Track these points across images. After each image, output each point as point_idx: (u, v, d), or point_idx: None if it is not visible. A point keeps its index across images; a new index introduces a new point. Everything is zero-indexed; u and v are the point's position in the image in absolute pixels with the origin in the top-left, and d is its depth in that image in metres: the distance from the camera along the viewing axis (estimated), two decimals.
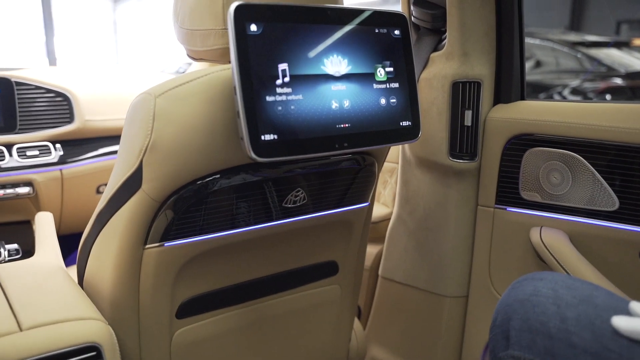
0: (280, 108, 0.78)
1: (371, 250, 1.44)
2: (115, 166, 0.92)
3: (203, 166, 0.84)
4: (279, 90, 0.78)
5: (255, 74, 0.76)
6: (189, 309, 0.98)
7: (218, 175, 0.86)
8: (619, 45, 4.81)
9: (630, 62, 4.44)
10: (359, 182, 1.02)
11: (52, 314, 0.86)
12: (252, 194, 0.90)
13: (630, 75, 4.27)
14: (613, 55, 4.58)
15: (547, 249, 1.04)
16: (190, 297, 0.97)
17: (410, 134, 0.92)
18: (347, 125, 0.84)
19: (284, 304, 1.10)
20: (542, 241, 1.06)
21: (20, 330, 0.82)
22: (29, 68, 1.69)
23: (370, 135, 0.87)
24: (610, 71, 4.44)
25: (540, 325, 0.71)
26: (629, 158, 0.98)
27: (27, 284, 0.97)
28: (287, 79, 0.79)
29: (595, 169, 1.01)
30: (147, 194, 0.84)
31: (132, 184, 0.86)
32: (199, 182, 0.85)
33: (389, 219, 1.38)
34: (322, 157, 0.94)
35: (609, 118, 0.99)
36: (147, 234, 0.88)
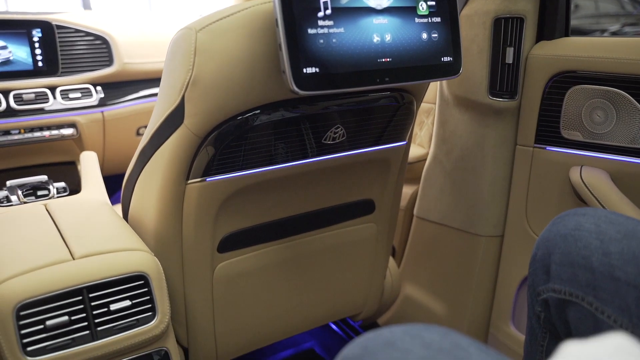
0: (321, 41, 0.76)
1: (407, 190, 1.43)
2: (157, 103, 0.92)
3: (244, 101, 0.83)
4: (320, 23, 0.76)
5: (297, 6, 0.74)
6: (230, 243, 0.99)
7: (258, 111, 0.85)
8: None
9: None
10: (397, 120, 1.01)
11: (102, 245, 0.88)
12: (291, 130, 0.90)
13: None
14: None
15: (588, 188, 1.02)
16: (231, 232, 0.99)
17: (451, 70, 0.89)
18: (388, 59, 0.82)
19: (321, 241, 1.11)
20: (583, 180, 1.03)
21: (73, 259, 0.85)
22: (67, 11, 1.67)
23: (411, 70, 0.85)
24: None
25: (582, 259, 0.69)
26: None
27: (77, 217, 0.99)
28: (328, 12, 0.77)
29: None
30: (189, 129, 0.84)
31: (174, 119, 0.86)
32: (239, 118, 0.84)
33: (425, 159, 1.36)
34: (361, 94, 0.93)
35: None
36: (189, 169, 0.88)
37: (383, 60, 0.82)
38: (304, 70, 0.75)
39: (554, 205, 1.12)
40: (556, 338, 0.76)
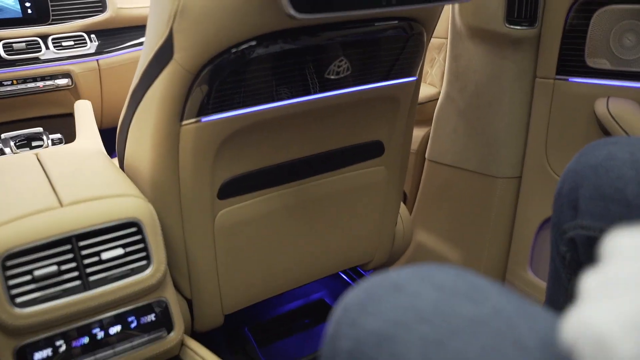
0: None
1: (417, 133, 1.37)
2: (145, 38, 0.85)
3: (237, 31, 0.75)
4: None
5: None
6: (231, 189, 0.94)
7: (254, 42, 0.77)
8: None
9: None
10: (406, 53, 0.93)
11: (92, 191, 0.83)
12: (291, 63, 0.82)
13: None
14: None
15: (615, 120, 0.94)
16: (231, 177, 0.93)
17: None
18: None
19: (328, 186, 1.05)
20: (610, 112, 0.95)
21: (61, 206, 0.80)
22: None
23: None
24: None
25: (615, 191, 0.62)
26: None
27: (67, 165, 0.94)
28: None
29: None
30: (180, 64, 0.78)
31: (163, 54, 0.79)
32: (234, 51, 0.77)
33: (437, 99, 1.28)
34: (366, 22, 0.85)
35: None
36: (182, 109, 0.82)
37: None
38: None
39: (577, 143, 1.05)
40: None
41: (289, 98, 0.87)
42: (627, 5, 0.93)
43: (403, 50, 0.92)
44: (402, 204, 1.28)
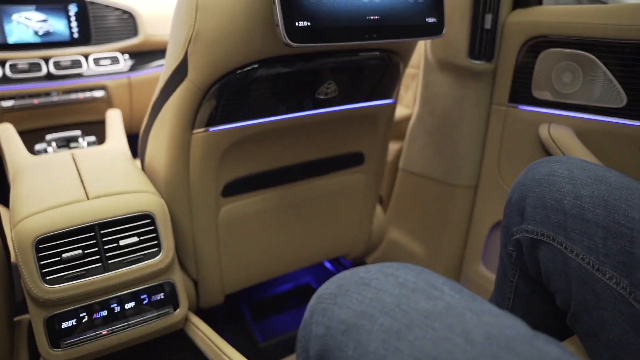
0: None
1: (393, 147, 1.34)
2: (165, 59, 0.83)
3: (243, 55, 0.73)
4: None
5: None
6: (233, 189, 0.92)
7: (257, 65, 0.76)
8: None
9: None
10: (385, 79, 0.91)
11: (114, 187, 0.80)
12: (287, 84, 0.80)
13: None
14: None
15: (555, 143, 0.93)
16: (233, 178, 0.91)
17: (435, 30, 0.79)
18: (376, 17, 0.72)
19: (316, 188, 1.03)
20: (550, 136, 0.94)
21: (88, 199, 0.77)
22: None
23: (398, 29, 0.75)
24: None
25: (555, 202, 0.61)
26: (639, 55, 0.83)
27: (96, 164, 0.92)
28: None
29: (607, 68, 0.87)
30: (193, 82, 0.75)
31: (179, 73, 0.77)
32: (239, 72, 0.75)
33: (410, 119, 1.27)
34: (352, 52, 0.83)
35: (623, 17, 0.84)
36: (194, 120, 0.80)
37: (372, 17, 0.72)
38: (297, 24, 0.65)
39: (523, 159, 1.03)
40: (525, 275, 0.69)
41: (284, 113, 0.85)
42: (565, 49, 0.91)
43: (382, 77, 0.91)
44: (378, 205, 1.26)
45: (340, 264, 1.39)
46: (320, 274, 1.38)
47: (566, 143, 0.92)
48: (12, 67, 1.37)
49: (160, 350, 0.87)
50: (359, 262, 1.39)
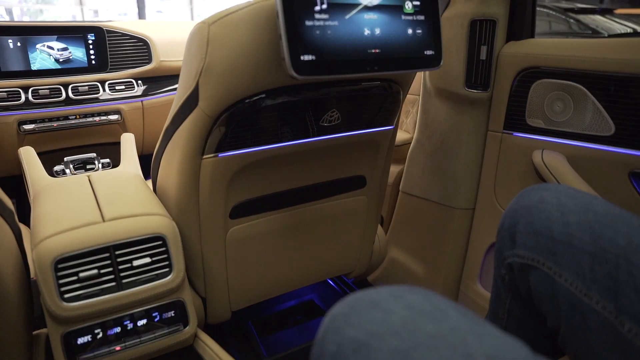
0: (318, 32, 0.68)
1: (394, 169, 1.36)
2: (177, 88, 0.85)
3: (250, 86, 0.76)
4: (317, 16, 0.68)
5: (296, 0, 0.66)
6: (240, 211, 0.93)
7: (264, 95, 0.78)
8: (603, 12, 4.42)
9: (612, 27, 4.07)
10: (386, 107, 0.93)
11: (128, 209, 0.82)
12: (293, 112, 0.83)
13: (612, 37, 3.92)
14: (598, 21, 4.20)
15: (547, 169, 0.94)
16: (240, 201, 0.92)
17: (432, 62, 0.81)
18: (377, 50, 0.74)
19: (319, 210, 1.04)
20: (543, 162, 0.95)
21: (104, 221, 0.79)
22: (115, 20, 1.61)
23: (397, 61, 0.77)
24: (595, 34, 4.09)
25: (544, 229, 0.62)
26: (626, 87, 0.85)
27: (111, 186, 0.94)
28: (324, 6, 0.69)
29: (596, 98, 0.89)
30: (203, 110, 0.78)
31: (190, 102, 0.80)
32: (247, 101, 0.78)
33: (410, 143, 1.28)
34: (354, 82, 0.85)
35: (610, 50, 0.86)
36: (204, 146, 0.82)
37: (373, 51, 0.74)
38: (302, 57, 0.68)
39: (518, 183, 1.05)
40: (518, 297, 0.69)
41: (290, 140, 0.87)
42: (557, 80, 0.94)
43: (383, 105, 0.93)
44: (379, 226, 1.27)
45: (343, 281, 1.40)
46: (323, 291, 1.38)
47: (558, 168, 0.93)
48: (34, 92, 1.41)
49: None
50: (361, 280, 1.40)
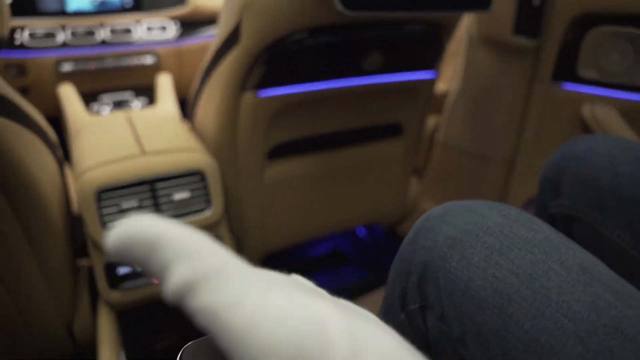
0: None
1: (432, 119, 1.33)
2: (219, 25, 0.84)
3: (293, 23, 0.73)
4: None
5: None
6: (278, 152, 0.93)
7: (306, 34, 0.76)
8: None
9: None
10: (429, 52, 0.90)
11: (169, 145, 0.83)
12: (334, 53, 0.80)
13: None
14: None
15: (598, 123, 0.90)
16: (278, 142, 0.92)
17: (483, 4, 0.77)
18: None
19: (355, 156, 1.03)
20: (594, 116, 0.91)
21: (144, 155, 0.80)
22: None
23: (447, 1, 0.73)
24: None
25: (591, 179, 0.59)
26: None
27: (151, 124, 0.94)
28: None
29: None
30: (244, 48, 0.76)
31: (232, 39, 0.78)
32: (288, 39, 0.75)
33: (448, 94, 1.24)
34: (398, 23, 0.82)
35: None
36: (244, 84, 0.81)
37: None
38: None
39: (563, 138, 1.00)
40: None
41: (329, 81, 0.85)
42: (616, 26, 0.88)
43: (426, 49, 0.89)
44: (413, 176, 1.26)
45: (372, 232, 1.40)
46: (352, 240, 1.39)
47: (610, 123, 0.89)
48: (73, 33, 1.41)
49: None
50: (392, 231, 1.40)
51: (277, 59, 0.77)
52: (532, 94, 1.05)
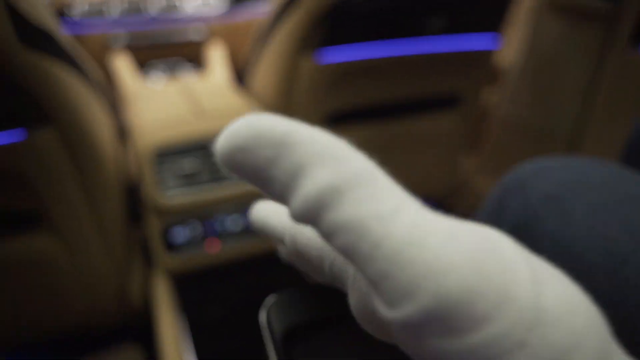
0: None
1: (491, 92, 1.27)
2: None
3: None
4: None
5: None
6: (333, 118, 0.91)
7: None
8: None
9: None
10: (493, 11, 0.85)
11: (226, 110, 0.83)
12: (395, 19, 0.77)
13: None
14: None
15: None
16: (336, 108, 0.90)
17: None
18: None
19: (410, 125, 1.00)
20: None
21: (202, 118, 0.79)
22: None
23: None
24: None
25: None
26: None
27: (206, 90, 0.94)
28: None
29: None
30: (305, 10, 0.74)
31: (291, 2, 0.75)
32: (349, 3, 0.72)
33: (512, 64, 1.18)
34: None
35: None
36: (303, 47, 0.78)
37: None
38: None
39: (639, 112, 0.93)
40: None
41: (390, 47, 0.82)
42: None
43: (490, 9, 0.85)
44: (469, 151, 1.21)
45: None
46: None
47: None
48: (123, 9, 1.42)
49: (258, 271, 0.89)
50: (440, 203, 1.35)
51: (338, 21, 0.74)
52: (604, 64, 0.97)
